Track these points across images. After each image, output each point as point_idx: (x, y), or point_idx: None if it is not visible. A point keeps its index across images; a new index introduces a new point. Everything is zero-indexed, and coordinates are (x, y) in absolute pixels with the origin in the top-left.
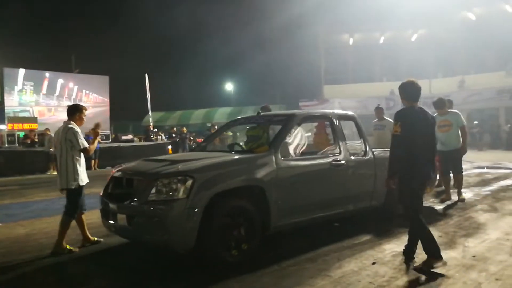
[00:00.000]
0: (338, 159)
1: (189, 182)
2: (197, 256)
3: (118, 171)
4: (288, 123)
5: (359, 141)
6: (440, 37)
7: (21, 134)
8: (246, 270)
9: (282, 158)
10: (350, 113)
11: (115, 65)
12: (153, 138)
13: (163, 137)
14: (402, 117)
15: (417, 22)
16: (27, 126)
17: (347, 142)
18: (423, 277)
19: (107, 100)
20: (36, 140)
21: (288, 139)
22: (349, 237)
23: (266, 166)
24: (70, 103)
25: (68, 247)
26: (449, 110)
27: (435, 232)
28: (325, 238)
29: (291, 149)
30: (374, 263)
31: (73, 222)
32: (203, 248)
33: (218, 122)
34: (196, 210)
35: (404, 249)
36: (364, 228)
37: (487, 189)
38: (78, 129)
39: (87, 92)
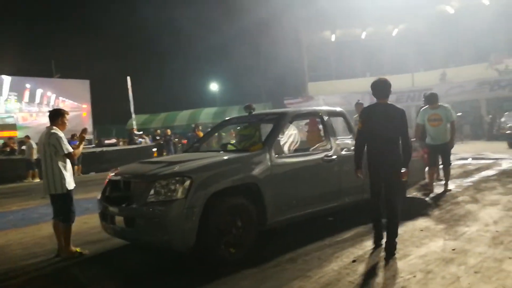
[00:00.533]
0: (330, 154)
1: (187, 182)
2: (197, 256)
3: (114, 174)
4: (280, 121)
5: (349, 136)
6: (420, 31)
7: (0, 141)
8: (226, 273)
9: (276, 155)
10: (339, 109)
11: (96, 69)
12: (137, 141)
13: (148, 139)
14: (362, 113)
15: (397, 17)
16: (6, 133)
17: (337, 137)
18: (402, 274)
19: (82, 105)
20: (16, 148)
21: (281, 137)
22: (331, 235)
23: (260, 164)
24: (49, 109)
25: (78, 250)
26: (440, 104)
27: (417, 225)
28: (306, 236)
29: (284, 146)
30: (354, 261)
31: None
32: (203, 247)
33: (202, 123)
34: (195, 209)
35: (385, 245)
36: (350, 223)
37: (469, 180)
38: (61, 134)
39: (63, 99)
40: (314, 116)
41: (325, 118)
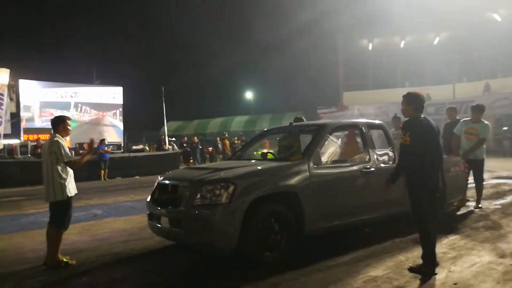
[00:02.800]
0: (368, 166)
1: (231, 188)
2: (240, 257)
3: (163, 178)
4: (319, 132)
5: (388, 149)
6: (464, 40)
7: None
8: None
9: (315, 166)
10: (378, 122)
11: (131, 76)
12: (165, 148)
13: (175, 146)
14: (411, 127)
15: (439, 25)
16: (42, 136)
17: (376, 150)
18: None
19: (117, 110)
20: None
21: (320, 148)
22: (338, 254)
23: (300, 173)
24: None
25: (64, 259)
26: (482, 120)
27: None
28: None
29: (323, 157)
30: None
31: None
32: (245, 250)
33: (233, 131)
34: (238, 214)
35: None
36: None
37: (498, 203)
38: (63, 142)
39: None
40: (353, 128)
41: (364, 130)
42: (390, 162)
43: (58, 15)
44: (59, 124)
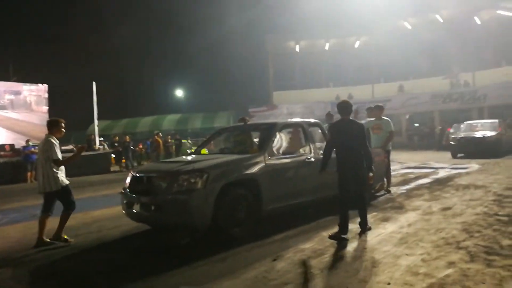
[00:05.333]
0: (309, 157)
1: (205, 176)
2: (213, 233)
3: (137, 172)
4: (271, 130)
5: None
6: (380, 44)
7: None
8: (157, 271)
9: (269, 157)
10: (315, 120)
11: (56, 74)
12: (95, 148)
13: (105, 146)
14: (329, 129)
15: (359, 30)
16: None
17: (316, 143)
18: (312, 270)
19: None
20: None
21: (273, 143)
22: (266, 236)
23: (259, 163)
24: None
25: (65, 236)
26: (382, 117)
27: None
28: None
29: (275, 150)
30: (275, 260)
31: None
32: (217, 226)
33: (164, 130)
34: (211, 197)
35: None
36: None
37: (404, 188)
38: (55, 142)
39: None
40: (297, 126)
41: (306, 128)
42: None
43: None
44: (54, 126)
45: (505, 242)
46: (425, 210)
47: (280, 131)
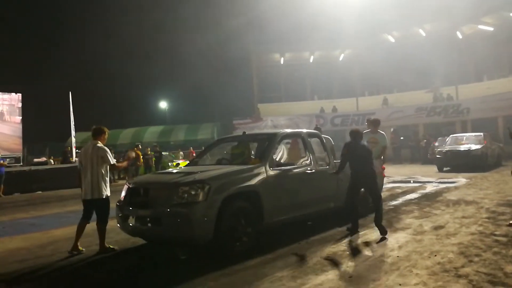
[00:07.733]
0: (309, 168)
1: (207, 187)
2: (213, 248)
3: (133, 183)
4: (272, 141)
5: (324, 154)
6: (365, 57)
7: None
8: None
9: (270, 168)
10: (315, 131)
11: (32, 84)
12: (72, 160)
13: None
14: (346, 146)
15: (344, 43)
16: None
17: (316, 154)
18: None
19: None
20: None
21: (273, 153)
22: (248, 258)
23: (260, 174)
24: None
25: (111, 246)
26: (378, 130)
27: (325, 251)
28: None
29: (275, 161)
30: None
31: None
32: (219, 240)
33: (146, 142)
34: (213, 210)
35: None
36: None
37: (392, 204)
38: (107, 148)
39: None
40: (297, 136)
41: (305, 138)
42: (327, 166)
43: None
44: (101, 134)
45: (509, 268)
46: (416, 229)
47: (280, 141)
